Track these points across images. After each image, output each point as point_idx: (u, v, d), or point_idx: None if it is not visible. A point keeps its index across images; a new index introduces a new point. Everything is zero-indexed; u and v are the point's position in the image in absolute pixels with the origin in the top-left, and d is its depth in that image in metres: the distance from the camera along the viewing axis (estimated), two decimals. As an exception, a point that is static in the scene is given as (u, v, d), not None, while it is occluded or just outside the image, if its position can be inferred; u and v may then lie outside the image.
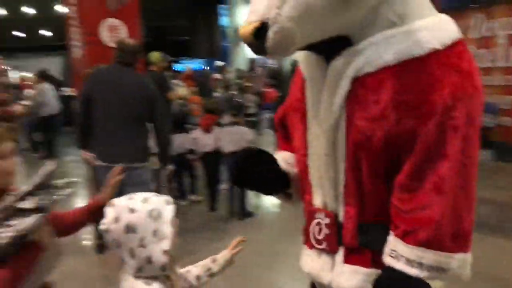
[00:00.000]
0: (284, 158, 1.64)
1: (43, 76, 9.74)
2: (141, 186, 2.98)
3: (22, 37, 21.73)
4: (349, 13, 1.22)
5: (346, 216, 1.38)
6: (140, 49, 3.76)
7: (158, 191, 3.80)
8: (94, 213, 1.66)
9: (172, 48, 19.88)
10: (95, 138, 3.40)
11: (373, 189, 1.32)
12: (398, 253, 1.26)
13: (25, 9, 19.65)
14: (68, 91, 10.91)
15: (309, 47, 1.31)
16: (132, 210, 1.31)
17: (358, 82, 1.28)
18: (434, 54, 1.25)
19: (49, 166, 1.48)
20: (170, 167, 3.95)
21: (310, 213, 1.51)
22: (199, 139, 5.43)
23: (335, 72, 1.31)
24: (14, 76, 13.05)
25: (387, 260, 1.29)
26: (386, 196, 1.30)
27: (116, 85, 3.32)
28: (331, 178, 1.39)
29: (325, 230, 1.44)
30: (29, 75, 12.61)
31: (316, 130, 1.41)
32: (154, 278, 1.34)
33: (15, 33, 21.48)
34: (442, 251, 1.22)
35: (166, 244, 1.32)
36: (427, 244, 1.22)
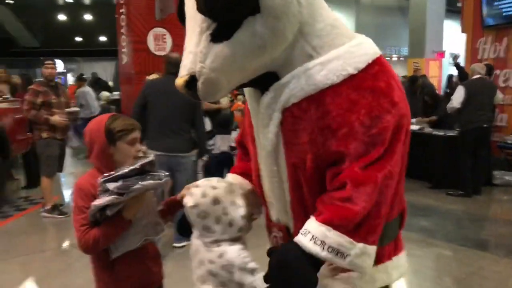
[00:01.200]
0: (234, 179, 1.80)
1: (82, 79, 10.20)
2: (186, 171, 4.19)
3: (81, 42, 22.88)
4: (268, 54, 1.33)
5: (294, 229, 1.50)
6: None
7: (195, 176, 4.49)
8: (173, 209, 1.97)
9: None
10: (149, 133, 4.15)
11: (315, 204, 1.42)
12: (307, 229, 1.33)
13: (86, 16, 20.75)
14: (116, 94, 11.45)
15: (243, 85, 1.45)
16: (214, 187, 1.58)
17: (288, 111, 1.41)
18: (349, 80, 1.36)
19: (149, 157, 1.76)
20: (205, 157, 4.62)
21: (269, 228, 1.67)
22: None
23: (266, 106, 1.43)
24: (72, 78, 13.82)
25: (297, 237, 1.36)
26: None
27: (167, 92, 4.02)
28: (279, 196, 1.53)
29: (280, 243, 1.60)
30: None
31: (262, 154, 1.55)
32: (233, 240, 1.58)
33: (74, 38, 22.64)
34: (346, 236, 1.29)
35: (242, 211, 1.57)
36: (334, 225, 1.30)
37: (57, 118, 5.22)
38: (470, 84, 6.38)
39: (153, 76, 5.51)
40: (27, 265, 4.13)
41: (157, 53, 8.86)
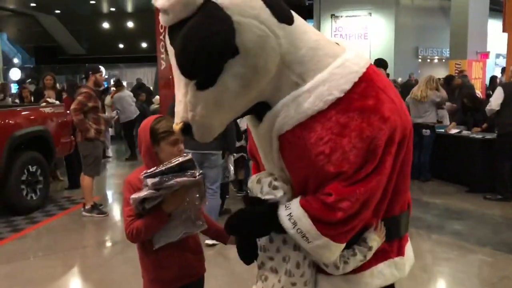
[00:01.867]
0: None
1: (120, 85, 10.51)
2: (216, 168, 4.58)
3: (123, 49, 23.62)
4: (254, 90, 1.39)
5: None
6: None
7: (224, 174, 4.83)
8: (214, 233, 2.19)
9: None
10: None
11: None
12: (290, 205, 1.47)
13: (128, 23, 21.43)
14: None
15: (239, 117, 1.53)
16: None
17: (283, 138, 1.47)
18: (336, 103, 1.40)
19: (187, 156, 1.86)
20: (234, 155, 4.95)
21: None
22: None
23: (264, 134, 1.51)
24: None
25: (280, 207, 1.49)
26: None
27: None
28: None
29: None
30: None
31: (269, 169, 1.63)
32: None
33: (117, 45, 23.41)
34: (316, 228, 1.41)
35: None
36: (311, 214, 1.41)
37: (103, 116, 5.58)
38: (509, 85, 6.20)
39: None
40: (68, 260, 4.36)
41: (194, 58, 9.10)
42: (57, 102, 7.09)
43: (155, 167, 1.82)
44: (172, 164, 1.79)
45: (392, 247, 1.61)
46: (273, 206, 1.49)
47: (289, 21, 1.42)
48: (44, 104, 6.69)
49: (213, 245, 4.36)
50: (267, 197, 1.51)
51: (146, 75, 18.44)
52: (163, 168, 1.79)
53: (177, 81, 1.39)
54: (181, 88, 1.36)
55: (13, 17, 22.97)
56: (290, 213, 1.44)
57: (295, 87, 1.42)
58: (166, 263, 2.01)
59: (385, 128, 1.39)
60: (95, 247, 4.79)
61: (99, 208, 5.70)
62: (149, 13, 19.02)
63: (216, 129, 1.42)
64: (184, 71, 1.32)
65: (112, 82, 22.47)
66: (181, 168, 1.81)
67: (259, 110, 1.48)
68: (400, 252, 1.64)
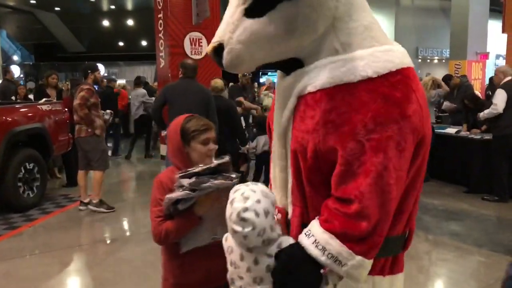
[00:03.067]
0: None
1: (138, 82, 10.78)
2: None
3: (122, 47, 23.59)
4: (296, 41, 1.39)
5: (292, 214, 1.55)
6: (197, 67, 5.35)
7: None
8: None
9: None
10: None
11: (312, 195, 1.48)
12: (311, 232, 1.38)
13: (128, 22, 21.41)
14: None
15: (268, 66, 1.51)
16: (258, 201, 1.46)
17: (302, 99, 1.46)
18: (366, 82, 1.36)
19: (224, 158, 1.80)
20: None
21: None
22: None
23: (283, 89, 1.51)
24: (120, 82, 14.33)
25: (300, 236, 1.41)
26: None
27: (184, 93, 4.96)
28: (283, 180, 1.59)
29: (279, 223, 1.62)
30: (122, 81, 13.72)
31: (274, 137, 1.63)
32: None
33: (117, 43, 23.40)
34: (347, 247, 1.34)
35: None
36: (337, 235, 1.34)
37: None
38: (510, 86, 6.17)
39: (217, 81, 5.79)
40: (64, 258, 4.35)
41: (193, 56, 9.07)
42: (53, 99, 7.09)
43: (191, 168, 1.76)
44: (208, 166, 1.74)
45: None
46: (296, 245, 1.41)
47: None
48: (42, 101, 6.67)
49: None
50: (235, 227, 1.41)
51: (146, 73, 18.44)
52: (199, 169, 1.74)
53: (231, 2, 1.42)
54: (232, 7, 1.40)
55: (13, 14, 22.94)
56: (315, 240, 1.37)
57: (334, 54, 1.42)
58: (192, 267, 1.94)
59: (401, 123, 1.35)
60: (92, 245, 4.79)
61: (107, 203, 5.76)
62: (149, 11, 19.01)
63: (245, 61, 1.41)
64: None
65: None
66: (216, 170, 1.75)
67: (291, 67, 1.48)
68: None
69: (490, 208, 5.85)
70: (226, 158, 1.80)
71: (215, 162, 1.77)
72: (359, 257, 1.34)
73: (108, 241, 4.96)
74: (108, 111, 6.17)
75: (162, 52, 9.15)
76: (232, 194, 1.47)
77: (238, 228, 1.41)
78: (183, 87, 5.06)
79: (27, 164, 5.79)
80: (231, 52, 1.39)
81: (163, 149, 9.37)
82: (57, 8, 21.21)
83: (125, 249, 4.62)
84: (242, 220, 1.41)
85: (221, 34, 1.41)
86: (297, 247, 1.40)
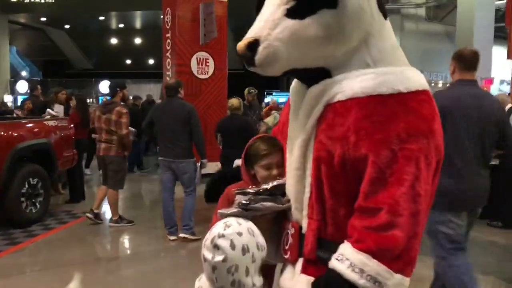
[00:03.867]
0: None
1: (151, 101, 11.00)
2: (186, 174, 5.20)
3: (130, 65, 23.79)
4: (330, 48, 1.44)
5: (308, 228, 1.52)
6: (179, 84, 5.52)
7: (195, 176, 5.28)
8: None
9: (264, 79, 20.61)
10: (159, 145, 5.42)
11: (334, 207, 1.46)
12: (344, 256, 1.35)
13: (136, 40, 21.65)
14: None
15: (295, 72, 1.54)
16: (239, 233, 1.39)
17: (330, 107, 1.48)
18: (397, 95, 1.42)
19: (280, 181, 1.72)
20: (205, 160, 5.32)
21: (284, 224, 1.69)
22: None
23: (313, 96, 1.51)
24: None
25: (332, 262, 1.37)
26: (346, 218, 1.43)
27: (167, 112, 5.25)
28: (299, 191, 1.56)
29: (290, 240, 1.62)
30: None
31: (291, 148, 1.61)
32: None
33: (124, 60, 23.62)
34: (385, 265, 1.30)
35: (264, 254, 1.45)
36: (374, 253, 1.31)
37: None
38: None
39: (233, 101, 6.01)
40: (64, 276, 4.31)
41: (199, 76, 9.14)
42: (61, 115, 7.12)
43: (251, 186, 1.73)
44: (264, 187, 1.69)
45: None
46: (331, 272, 1.37)
47: (385, 15, 1.55)
48: (48, 117, 6.71)
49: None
50: (205, 253, 1.34)
51: (152, 91, 18.51)
52: (257, 189, 1.69)
53: (269, 2, 1.46)
54: (272, 6, 1.43)
55: (24, 31, 23.25)
56: (350, 263, 1.33)
57: (365, 67, 1.48)
58: None
59: (430, 138, 1.39)
60: (93, 263, 4.73)
61: (125, 218, 5.87)
62: (157, 30, 19.25)
63: (280, 60, 1.43)
64: None
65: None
66: (272, 193, 1.69)
67: (317, 76, 1.50)
68: None
69: (496, 234, 5.77)
70: (282, 181, 1.70)
71: (271, 184, 1.70)
72: (398, 275, 1.32)
73: (110, 260, 4.91)
74: (132, 129, 6.19)
75: (169, 71, 9.21)
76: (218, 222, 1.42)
77: (207, 255, 1.33)
78: (165, 106, 5.44)
79: (31, 179, 5.79)
80: (268, 48, 1.40)
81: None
82: (67, 26, 21.51)
83: (128, 268, 4.58)
84: (215, 247, 1.33)
85: (257, 30, 1.42)
86: (332, 274, 1.36)
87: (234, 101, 5.98)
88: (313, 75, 1.51)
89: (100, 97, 18.53)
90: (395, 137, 1.35)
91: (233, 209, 1.66)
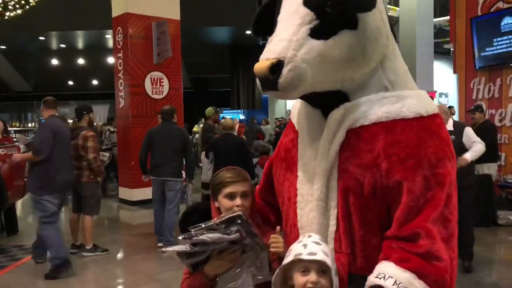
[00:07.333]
0: None
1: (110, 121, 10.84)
2: (173, 192, 5.73)
3: (73, 86, 22.93)
4: (351, 70, 1.39)
5: (337, 263, 1.41)
6: (174, 110, 6.15)
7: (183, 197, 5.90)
8: None
9: (214, 98, 20.50)
10: (151, 166, 5.82)
11: (365, 238, 1.38)
12: (387, 274, 1.28)
13: (78, 60, 20.88)
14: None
15: (311, 97, 1.43)
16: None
17: (352, 132, 1.41)
18: (419, 119, 1.42)
19: (235, 212, 1.54)
20: (193, 181, 5.97)
21: None
22: (259, 174, 6.72)
23: (335, 121, 1.43)
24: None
25: (372, 280, 1.30)
26: (377, 248, 1.36)
27: (164, 133, 5.79)
28: (322, 224, 1.45)
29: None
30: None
31: (308, 176, 1.49)
32: None
33: (67, 82, 22.74)
34: (430, 286, 1.27)
35: None
36: (419, 275, 1.26)
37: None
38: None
39: (227, 120, 6.36)
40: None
41: (154, 96, 8.91)
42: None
43: (210, 221, 1.54)
44: (220, 219, 1.51)
45: None
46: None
47: (395, 37, 1.55)
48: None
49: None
50: None
51: (99, 112, 17.93)
52: (213, 222, 1.50)
53: (287, 21, 1.35)
54: (291, 27, 1.33)
55: (-47, 52, 21.82)
56: (395, 281, 1.26)
57: (383, 90, 1.46)
58: None
59: (453, 161, 1.43)
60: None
61: (99, 246, 5.67)
62: (101, 50, 18.73)
63: (305, 83, 1.32)
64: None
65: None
66: (229, 224, 1.50)
67: (333, 100, 1.43)
68: None
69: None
70: (238, 212, 1.52)
71: (223, 215, 1.54)
72: None
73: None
74: (106, 154, 6.06)
75: (121, 92, 8.91)
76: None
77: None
78: (162, 130, 5.86)
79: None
80: (294, 70, 1.28)
81: (123, 193, 8.97)
82: (2, 47, 20.41)
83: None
84: None
85: (281, 50, 1.29)
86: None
87: (229, 121, 6.26)
88: (329, 99, 1.44)
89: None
90: (427, 163, 1.35)
91: (182, 246, 1.50)
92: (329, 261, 1.34)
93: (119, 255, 5.79)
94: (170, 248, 1.57)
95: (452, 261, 1.33)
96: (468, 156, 4.68)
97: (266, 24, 1.50)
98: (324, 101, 1.46)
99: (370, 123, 1.40)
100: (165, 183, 5.67)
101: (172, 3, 9.13)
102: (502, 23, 7.72)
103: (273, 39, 1.35)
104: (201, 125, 13.66)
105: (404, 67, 1.55)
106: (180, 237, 1.49)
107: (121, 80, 8.95)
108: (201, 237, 1.47)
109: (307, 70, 1.29)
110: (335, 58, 1.34)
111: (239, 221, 1.49)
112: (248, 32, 18.29)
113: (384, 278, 1.28)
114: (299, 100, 1.60)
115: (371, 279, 1.31)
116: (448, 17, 10.57)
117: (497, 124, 7.69)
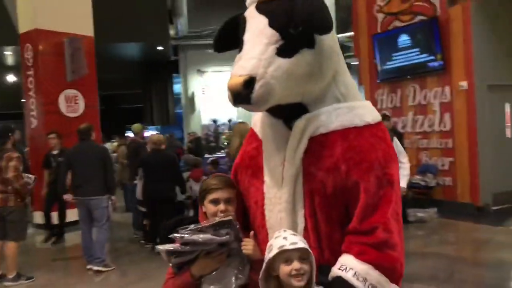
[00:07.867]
0: None
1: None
2: (99, 209, 5.70)
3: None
4: (311, 84, 1.58)
5: None
6: (91, 128, 6.07)
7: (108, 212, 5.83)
8: None
9: (125, 115, 20.00)
10: (73, 185, 5.81)
11: (329, 234, 1.58)
12: (347, 266, 1.49)
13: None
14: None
15: (274, 109, 1.58)
16: None
17: (313, 140, 1.60)
18: (368, 127, 1.64)
19: (225, 217, 1.64)
20: (114, 197, 5.98)
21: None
22: (192, 187, 6.89)
23: (298, 130, 1.61)
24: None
25: (335, 271, 1.51)
26: (340, 242, 1.57)
27: (82, 153, 5.81)
28: (292, 223, 1.62)
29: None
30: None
31: (275, 181, 1.65)
32: None
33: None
34: (384, 275, 1.50)
35: None
36: (375, 265, 1.49)
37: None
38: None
39: (158, 136, 6.58)
40: None
41: (69, 114, 8.56)
42: None
43: (199, 223, 1.66)
44: (210, 223, 1.62)
45: None
46: (338, 279, 1.50)
47: (342, 51, 1.73)
48: None
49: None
50: None
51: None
52: (202, 225, 1.62)
53: (254, 41, 1.50)
54: (260, 45, 1.48)
55: None
56: (355, 272, 1.48)
57: (336, 102, 1.65)
58: None
59: (396, 162, 1.67)
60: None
61: (23, 274, 5.33)
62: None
63: (273, 98, 1.47)
64: (313, 21, 1.49)
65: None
66: (219, 228, 1.63)
67: (294, 111, 1.61)
68: None
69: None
70: (229, 217, 1.65)
71: (214, 219, 1.66)
72: (393, 285, 1.52)
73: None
74: (32, 176, 5.68)
75: (33, 111, 8.45)
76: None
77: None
78: (80, 150, 5.87)
79: None
80: (265, 86, 1.44)
81: (39, 217, 8.46)
82: None
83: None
84: None
85: (251, 68, 1.44)
86: (342, 282, 1.49)
87: (159, 136, 6.32)
88: (290, 110, 1.61)
89: None
90: (378, 164, 1.57)
91: (173, 244, 1.64)
92: (308, 247, 1.52)
93: (46, 281, 5.49)
94: (161, 247, 1.65)
95: (403, 252, 1.57)
96: (403, 183, 4.96)
97: (226, 42, 1.71)
98: (286, 113, 1.63)
99: (329, 131, 1.60)
100: (89, 202, 5.64)
101: (84, 19, 8.89)
102: (399, 40, 8.58)
103: (242, 57, 1.50)
104: (115, 143, 13.34)
105: (352, 81, 1.76)
106: (172, 236, 1.60)
107: (32, 99, 8.49)
108: (193, 237, 1.59)
109: (275, 85, 1.45)
110: (298, 74, 1.51)
111: (230, 225, 1.63)
112: (160, 48, 18.11)
113: (345, 270, 1.49)
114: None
115: (335, 270, 1.52)
116: (349, 33, 11.40)
117: (400, 130, 8.45)
